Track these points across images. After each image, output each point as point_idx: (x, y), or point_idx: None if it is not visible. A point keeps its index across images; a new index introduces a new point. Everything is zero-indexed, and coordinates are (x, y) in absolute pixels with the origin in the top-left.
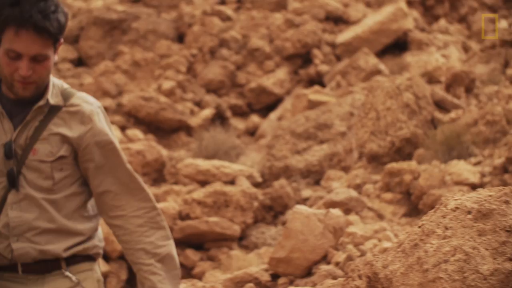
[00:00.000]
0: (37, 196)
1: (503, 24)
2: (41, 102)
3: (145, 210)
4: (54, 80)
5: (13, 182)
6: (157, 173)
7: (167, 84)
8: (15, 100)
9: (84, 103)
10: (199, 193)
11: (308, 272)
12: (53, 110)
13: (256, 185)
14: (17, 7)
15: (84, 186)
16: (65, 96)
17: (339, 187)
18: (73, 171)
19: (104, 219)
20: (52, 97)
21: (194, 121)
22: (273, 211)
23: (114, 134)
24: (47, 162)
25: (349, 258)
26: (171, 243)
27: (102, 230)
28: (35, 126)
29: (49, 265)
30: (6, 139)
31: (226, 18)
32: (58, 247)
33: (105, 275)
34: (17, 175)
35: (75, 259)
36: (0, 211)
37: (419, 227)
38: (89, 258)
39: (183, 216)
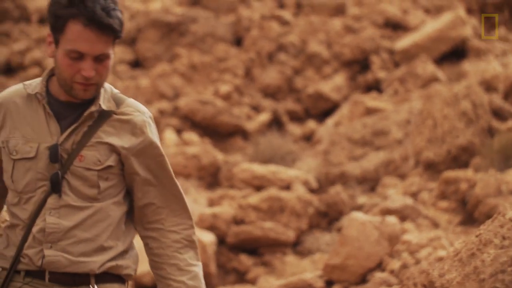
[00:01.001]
0: (79, 204)
1: None
2: (93, 108)
3: (184, 227)
4: (104, 84)
5: (56, 187)
6: (212, 177)
7: (224, 88)
8: (63, 102)
9: (136, 112)
10: (254, 198)
11: (362, 279)
12: (103, 116)
13: (312, 191)
14: (77, 5)
15: (126, 197)
16: (116, 101)
17: (394, 194)
18: (119, 181)
19: (138, 230)
20: (104, 102)
21: (250, 126)
22: (328, 217)
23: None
24: (94, 171)
25: (404, 266)
26: (201, 265)
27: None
28: (83, 131)
29: (77, 278)
30: (52, 141)
31: (284, 23)
32: (92, 261)
33: None
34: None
35: (105, 277)
36: (37, 215)
37: (476, 236)
38: (120, 279)
39: (238, 221)
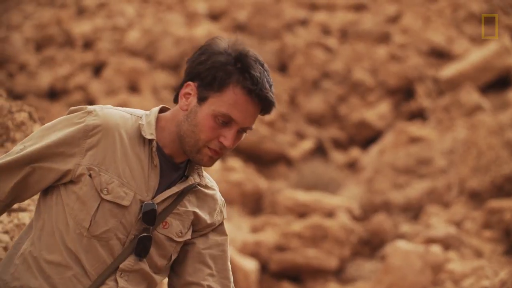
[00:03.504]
0: (148, 273)
1: None
2: (197, 179)
3: None
4: None
5: (143, 251)
6: (255, 203)
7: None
8: (166, 156)
9: (217, 189)
10: (297, 225)
11: None
12: (191, 185)
13: (355, 218)
14: (245, 71)
15: None
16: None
17: (438, 223)
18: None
19: None
20: (202, 175)
21: (294, 153)
22: (371, 245)
23: None
24: (173, 241)
25: None
26: None
27: None
28: (173, 196)
29: None
30: (147, 197)
31: (329, 50)
32: None
33: None
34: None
35: None
36: (109, 275)
37: None
38: None
39: (281, 248)
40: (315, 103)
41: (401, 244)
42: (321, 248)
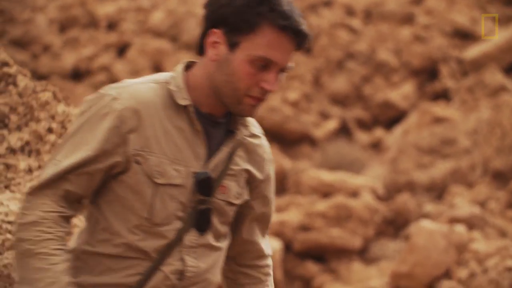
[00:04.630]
0: (215, 244)
1: None
2: (245, 132)
3: (268, 258)
4: None
5: (205, 224)
6: (279, 183)
7: (292, 95)
8: (205, 115)
9: (263, 136)
10: (322, 205)
11: None
12: (240, 140)
13: (379, 198)
14: (275, 6)
15: None
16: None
17: (462, 202)
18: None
19: (228, 264)
20: (247, 124)
21: (318, 133)
22: (395, 225)
23: None
24: (233, 205)
25: (472, 275)
26: None
27: None
28: (225, 156)
29: None
30: (198, 167)
31: (353, 31)
32: None
33: None
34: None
35: None
36: (170, 252)
37: None
38: None
39: (305, 228)
40: (339, 83)
41: (426, 224)
42: (345, 228)
